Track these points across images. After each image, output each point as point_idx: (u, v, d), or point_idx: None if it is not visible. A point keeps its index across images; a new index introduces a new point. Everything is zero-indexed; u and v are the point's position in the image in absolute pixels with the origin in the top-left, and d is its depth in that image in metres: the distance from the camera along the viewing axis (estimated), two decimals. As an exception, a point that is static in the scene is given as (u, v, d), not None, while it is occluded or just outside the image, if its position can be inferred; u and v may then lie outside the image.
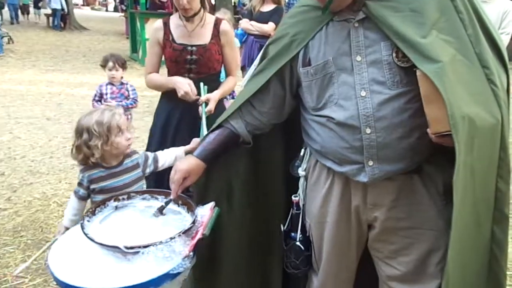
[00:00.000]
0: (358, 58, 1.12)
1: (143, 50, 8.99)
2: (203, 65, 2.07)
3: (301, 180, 1.37)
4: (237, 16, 15.34)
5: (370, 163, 1.13)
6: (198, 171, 1.32)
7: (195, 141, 1.75)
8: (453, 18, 1.05)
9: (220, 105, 2.13)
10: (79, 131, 1.63)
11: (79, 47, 11.55)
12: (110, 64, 3.42)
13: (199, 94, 2.02)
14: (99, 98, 3.44)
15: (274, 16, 4.11)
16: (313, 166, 1.32)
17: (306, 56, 1.20)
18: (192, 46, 2.06)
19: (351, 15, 1.13)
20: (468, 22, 1.06)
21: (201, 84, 2.03)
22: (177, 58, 2.07)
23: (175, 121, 2.12)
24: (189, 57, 2.05)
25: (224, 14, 3.83)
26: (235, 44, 2.42)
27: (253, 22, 4.26)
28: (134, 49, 9.87)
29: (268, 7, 4.21)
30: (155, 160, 1.79)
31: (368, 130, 1.11)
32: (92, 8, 32.27)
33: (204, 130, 1.88)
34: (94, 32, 15.08)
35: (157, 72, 2.20)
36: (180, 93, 1.97)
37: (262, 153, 1.44)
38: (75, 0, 27.49)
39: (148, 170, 1.78)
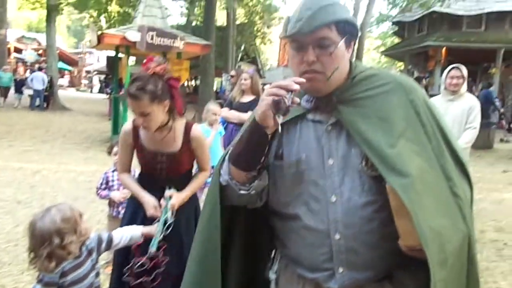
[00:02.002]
0: (330, 161, 1.12)
1: (124, 132, 9.07)
2: (173, 169, 2.08)
3: (272, 285, 1.29)
4: (219, 101, 16.10)
5: (340, 270, 1.09)
6: None
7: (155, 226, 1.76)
8: (418, 129, 1.09)
9: (193, 197, 2.13)
10: (45, 239, 1.54)
11: (60, 128, 11.59)
12: (116, 149, 3.20)
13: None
14: (106, 186, 3.16)
15: (253, 106, 4.25)
16: (284, 269, 1.26)
17: (279, 148, 1.19)
18: (162, 153, 2.05)
19: (324, 117, 1.15)
20: (432, 134, 1.09)
21: (168, 193, 2.03)
22: (148, 162, 2.09)
23: (139, 219, 2.10)
24: (159, 165, 2.06)
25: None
26: (213, 142, 2.41)
27: (232, 111, 4.43)
28: (115, 131, 9.96)
29: (248, 98, 4.43)
30: (109, 241, 1.79)
31: (337, 236, 1.09)
32: (78, 90, 33.12)
33: (161, 223, 1.90)
34: (76, 113, 15.28)
35: (129, 170, 2.23)
36: (147, 213, 2.00)
37: None
38: (61, 81, 28.29)
39: (102, 251, 1.79)
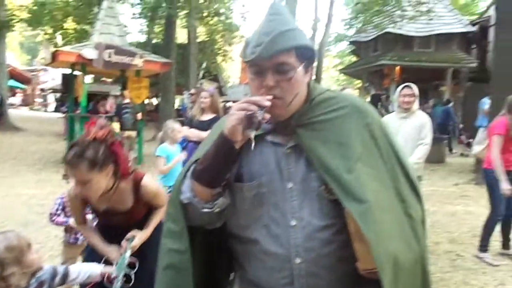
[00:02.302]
0: (290, 185, 1.12)
1: (81, 152, 8.76)
2: (130, 219, 2.00)
3: None
4: (181, 118, 15.95)
5: None
6: None
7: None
8: (374, 153, 1.12)
9: (157, 229, 2.06)
10: None
11: (10, 149, 11.00)
12: None
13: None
14: (61, 211, 2.95)
15: (212, 124, 4.22)
16: None
17: (239, 169, 1.17)
18: (115, 211, 1.95)
19: (283, 140, 1.15)
20: (387, 157, 1.13)
21: (130, 235, 1.97)
22: (102, 219, 2.03)
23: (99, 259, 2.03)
24: (115, 219, 1.99)
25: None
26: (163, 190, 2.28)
27: (192, 130, 4.38)
28: (71, 151, 9.58)
29: (207, 116, 4.40)
30: (65, 275, 1.69)
31: (298, 260, 1.09)
32: (31, 109, 31.70)
33: (124, 263, 1.83)
34: (29, 133, 14.57)
35: (85, 222, 2.11)
36: (112, 261, 1.93)
37: None
38: (13, 100, 27.02)
39: (56, 285, 1.67)
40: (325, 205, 1.09)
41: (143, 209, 2.00)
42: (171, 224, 1.18)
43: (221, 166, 1.08)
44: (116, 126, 8.92)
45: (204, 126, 4.20)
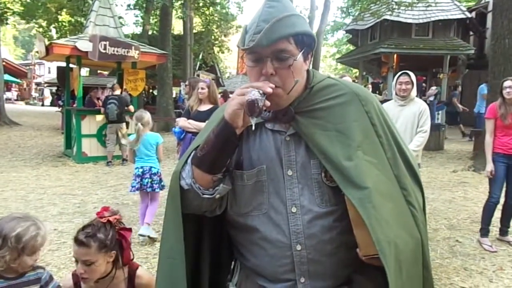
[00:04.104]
0: (290, 172, 1.12)
1: (78, 146, 8.73)
2: None
3: None
4: (177, 110, 15.87)
5: (302, 280, 1.10)
6: None
7: None
8: (375, 141, 1.12)
9: None
10: None
11: (7, 144, 10.95)
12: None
13: None
14: None
15: (211, 115, 4.22)
16: (245, 280, 1.24)
17: (239, 156, 1.16)
18: None
19: (283, 127, 1.14)
20: (387, 145, 1.13)
21: None
22: None
23: None
24: None
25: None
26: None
27: (190, 121, 4.36)
28: (68, 145, 9.56)
29: (206, 107, 4.38)
30: None
31: (298, 247, 1.09)
32: (27, 103, 31.54)
33: None
34: (26, 128, 14.51)
35: None
36: None
37: None
38: (8, 95, 26.87)
39: None
40: (325, 192, 1.09)
41: None
42: (170, 213, 1.17)
43: (221, 152, 1.06)
44: (99, 117, 8.82)
45: (202, 116, 4.17)
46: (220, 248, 1.33)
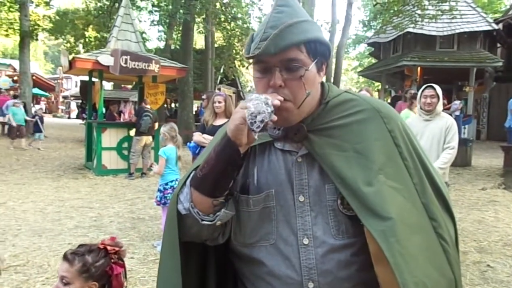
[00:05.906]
0: (301, 198, 0.98)
1: (98, 159, 8.80)
2: None
3: None
4: (198, 123, 15.98)
5: None
6: None
7: None
8: (399, 164, 0.97)
9: None
10: None
11: (32, 155, 11.20)
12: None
13: None
14: None
15: (225, 130, 4.16)
16: None
17: (245, 179, 1.03)
18: None
19: (294, 147, 1.01)
20: (414, 170, 0.98)
21: None
22: None
23: None
24: None
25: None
26: None
27: (205, 135, 4.28)
28: (89, 157, 9.67)
29: (221, 121, 4.29)
30: None
31: (311, 285, 0.95)
32: (54, 116, 32.50)
33: None
34: (51, 140, 14.84)
35: None
36: None
37: None
38: (36, 108, 27.66)
39: None
40: (342, 221, 0.96)
41: None
42: (167, 240, 1.05)
43: (223, 173, 0.93)
44: (132, 131, 8.92)
45: (217, 130, 4.09)
46: (226, 279, 1.20)
